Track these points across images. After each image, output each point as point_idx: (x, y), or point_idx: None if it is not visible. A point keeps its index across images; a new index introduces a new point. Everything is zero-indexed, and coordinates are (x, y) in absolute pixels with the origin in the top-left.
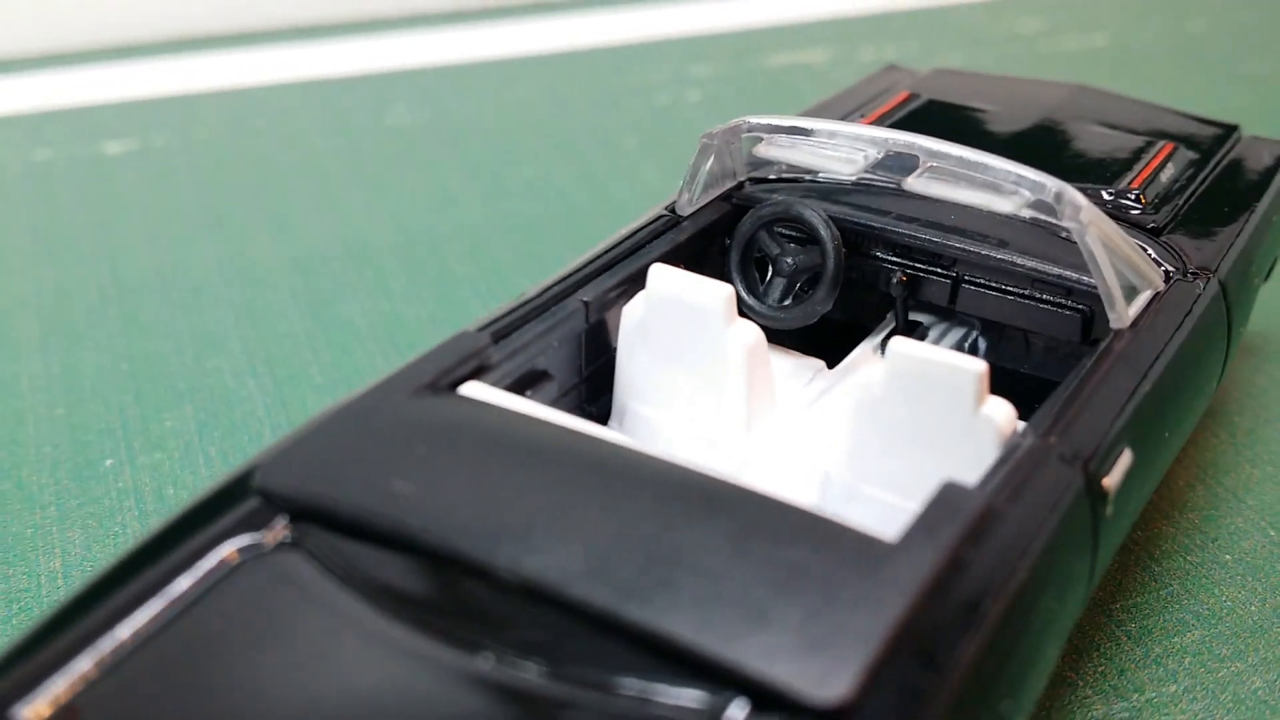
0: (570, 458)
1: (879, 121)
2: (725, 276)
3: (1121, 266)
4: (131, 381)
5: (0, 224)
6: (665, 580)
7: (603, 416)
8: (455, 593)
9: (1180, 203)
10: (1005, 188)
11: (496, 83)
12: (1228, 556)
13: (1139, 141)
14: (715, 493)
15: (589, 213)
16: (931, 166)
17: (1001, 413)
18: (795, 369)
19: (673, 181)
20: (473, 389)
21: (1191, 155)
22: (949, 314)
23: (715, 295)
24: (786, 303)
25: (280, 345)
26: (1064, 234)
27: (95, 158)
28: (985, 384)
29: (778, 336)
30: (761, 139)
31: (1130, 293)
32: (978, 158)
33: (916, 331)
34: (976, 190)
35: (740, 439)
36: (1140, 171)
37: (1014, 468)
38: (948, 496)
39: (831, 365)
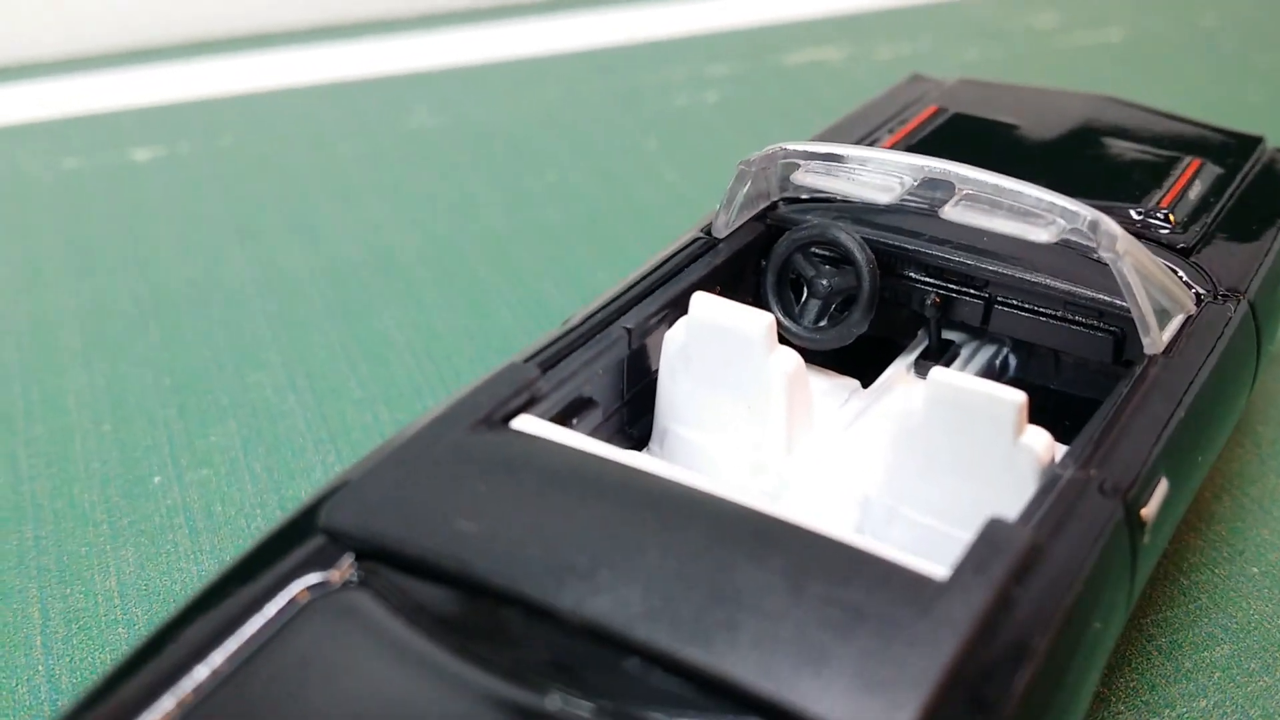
0: (625, 494)
1: (908, 137)
2: (761, 298)
3: (1155, 292)
4: (175, 396)
5: (35, 235)
6: (725, 621)
7: (643, 438)
8: (521, 632)
9: (1208, 221)
10: (1041, 216)
11: (516, 83)
12: (1255, 569)
13: (1166, 157)
14: (767, 529)
15: (611, 218)
16: (967, 194)
17: (1040, 442)
18: (831, 389)
19: (694, 184)
20: (525, 422)
21: (1218, 170)
22: (980, 332)
23: (757, 324)
24: (822, 324)
25: (317, 358)
26: (1095, 256)
27: (123, 165)
28: (1024, 415)
29: (811, 354)
30: (799, 165)
31: (1163, 317)
32: (1014, 186)
33: (950, 350)
34: (1012, 219)
35: (781, 462)
36: (1169, 190)
37: (1055, 501)
38: (994, 533)
39: (866, 383)
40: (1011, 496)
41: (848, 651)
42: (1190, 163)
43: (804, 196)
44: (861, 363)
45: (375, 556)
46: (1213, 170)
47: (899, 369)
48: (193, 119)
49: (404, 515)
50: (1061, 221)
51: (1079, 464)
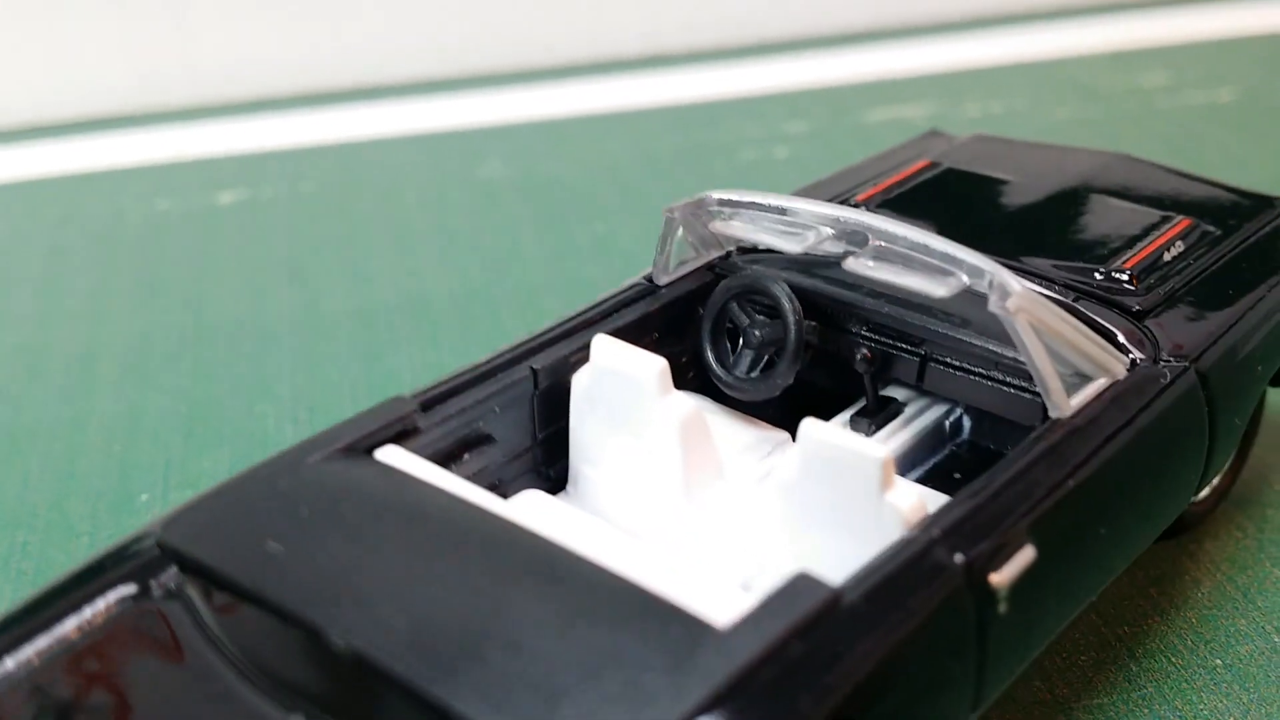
0: (440, 528)
1: (887, 190)
2: (701, 345)
3: (1066, 353)
4: (185, 423)
5: (110, 270)
6: (477, 656)
7: (562, 479)
8: (296, 654)
9: (1178, 284)
10: (946, 270)
11: (591, 138)
12: (1218, 661)
13: (1154, 217)
14: (566, 569)
15: None
16: (878, 245)
17: (907, 501)
18: (756, 441)
19: None
20: (389, 454)
21: (1211, 231)
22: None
23: (650, 369)
24: (753, 374)
25: (326, 394)
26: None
27: (207, 208)
28: (889, 471)
29: (759, 405)
30: (721, 214)
31: (1077, 381)
32: (920, 238)
33: (890, 408)
34: (912, 272)
35: (680, 509)
36: (1141, 250)
37: (889, 560)
38: (795, 586)
39: None
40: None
41: (588, 696)
42: (1178, 223)
43: (760, 247)
44: (819, 415)
45: (195, 571)
46: (1204, 231)
47: (835, 425)
48: (283, 166)
49: (224, 534)
50: (964, 277)
51: (927, 525)
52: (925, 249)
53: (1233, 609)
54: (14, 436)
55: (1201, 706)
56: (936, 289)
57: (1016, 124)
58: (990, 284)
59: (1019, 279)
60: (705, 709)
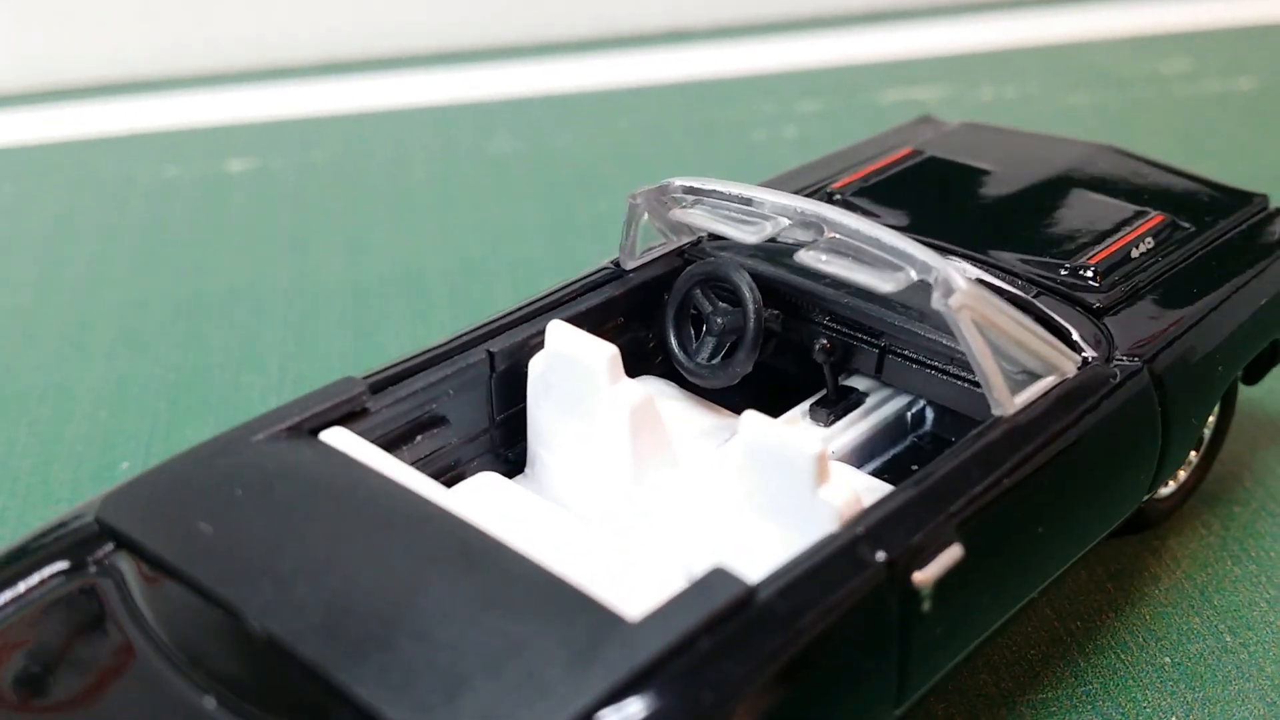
0: (370, 513)
1: (866, 178)
2: (665, 331)
3: (1013, 351)
4: (172, 392)
5: (116, 237)
6: (385, 644)
7: (521, 461)
8: (216, 636)
9: (1143, 281)
10: (896, 265)
11: (602, 112)
12: (1167, 659)
13: (1128, 212)
14: (487, 558)
15: None
16: (833, 238)
17: (840, 496)
18: (714, 427)
19: None
20: (334, 435)
21: (1185, 227)
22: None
23: (600, 355)
24: (714, 361)
25: (313, 366)
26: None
27: (216, 176)
28: (824, 466)
29: (724, 391)
30: (684, 200)
31: (1023, 379)
32: (873, 232)
33: (851, 398)
34: (862, 266)
35: (629, 494)
36: (1109, 245)
37: (807, 556)
38: (709, 581)
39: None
40: None
41: (488, 686)
42: (1150, 218)
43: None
44: (788, 404)
45: (128, 548)
46: (1177, 227)
47: (794, 414)
48: (292, 136)
49: (159, 512)
50: (913, 273)
51: (855, 521)
52: (877, 243)
53: (1188, 606)
54: (4, 401)
55: (1145, 704)
56: (884, 284)
57: (1029, 109)
58: (936, 279)
59: (970, 274)
60: (605, 702)
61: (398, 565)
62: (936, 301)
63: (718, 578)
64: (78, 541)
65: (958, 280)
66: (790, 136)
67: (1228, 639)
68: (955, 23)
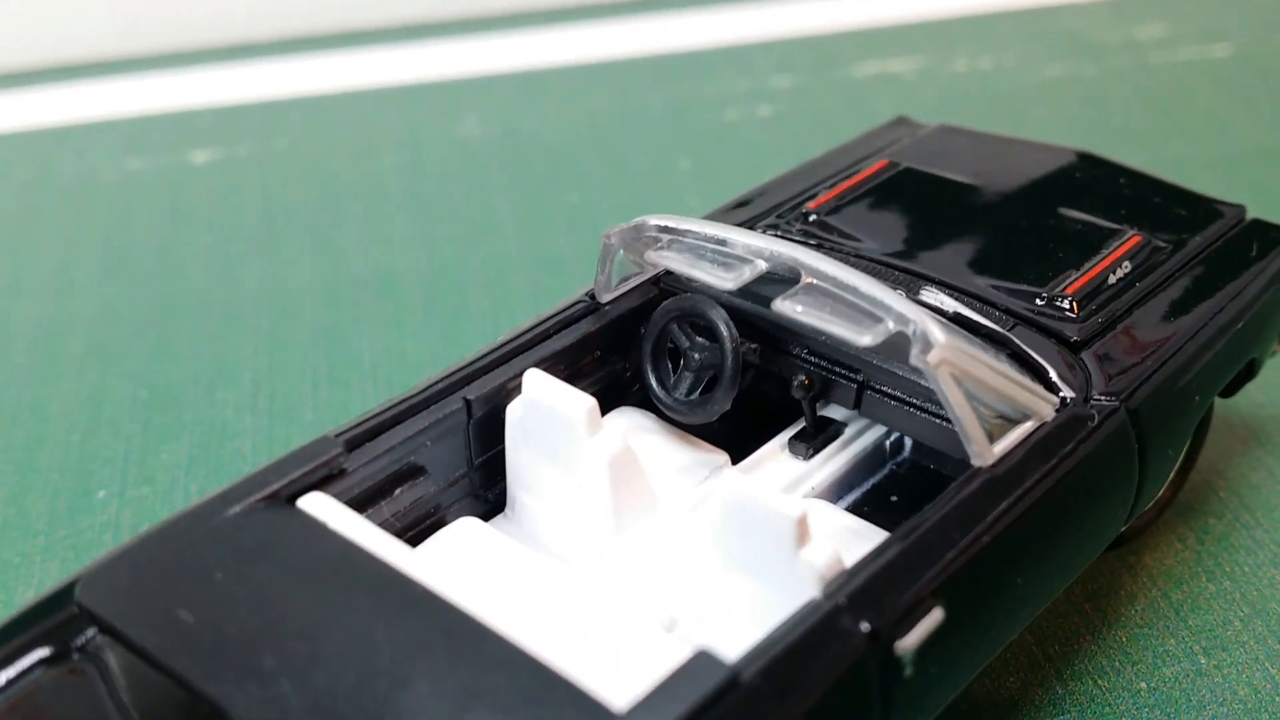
0: (352, 594)
1: (846, 194)
2: (642, 365)
3: (991, 400)
4: (144, 411)
5: (80, 237)
6: None
7: (501, 502)
8: None
9: (1119, 309)
10: (873, 316)
11: (573, 90)
12: (1143, 684)
13: (1105, 232)
14: (472, 642)
15: None
16: (809, 283)
17: (821, 558)
18: (694, 464)
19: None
20: (313, 501)
21: (1161, 246)
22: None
23: (578, 407)
24: (692, 397)
25: (287, 379)
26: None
27: (180, 167)
28: (805, 528)
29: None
30: (658, 240)
31: (1003, 426)
32: (850, 279)
33: (829, 430)
34: (837, 318)
35: (610, 542)
36: (1086, 272)
37: (791, 630)
38: (694, 666)
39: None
40: (797, 606)
41: None
42: (1128, 239)
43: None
44: (771, 431)
45: (110, 634)
46: (1153, 247)
47: (773, 447)
48: (256, 121)
49: (138, 597)
50: (890, 324)
51: (833, 590)
52: (854, 291)
53: (1164, 627)
54: None
55: None
56: (861, 337)
57: (1006, 82)
58: (914, 333)
59: (947, 308)
60: None
61: (382, 656)
62: (915, 358)
63: (702, 662)
64: (59, 625)
65: (936, 334)
66: (765, 115)
67: (1202, 661)
68: None
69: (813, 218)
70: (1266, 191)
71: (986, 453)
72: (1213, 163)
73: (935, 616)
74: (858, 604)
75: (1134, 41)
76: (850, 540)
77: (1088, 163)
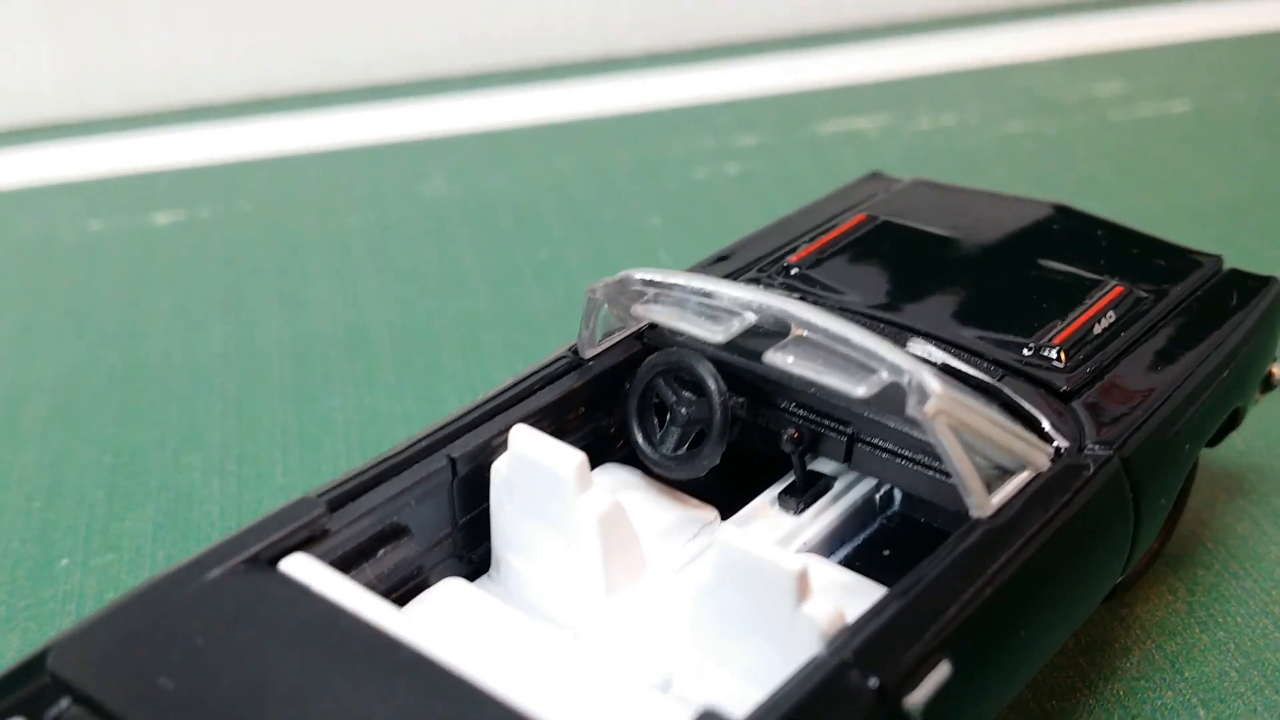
0: (337, 660)
1: (824, 248)
2: (628, 421)
3: (987, 450)
4: (109, 476)
5: (41, 299)
6: None
7: (484, 563)
8: None
9: (1106, 359)
10: (867, 368)
11: (540, 150)
12: None
13: (1087, 283)
14: (467, 705)
15: None
16: (800, 335)
17: (822, 613)
18: (682, 522)
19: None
20: (295, 563)
21: (1144, 297)
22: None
23: (568, 464)
24: (680, 452)
25: (256, 442)
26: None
27: (142, 229)
28: (805, 583)
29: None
30: (644, 294)
31: (1000, 477)
32: (841, 331)
33: (819, 484)
34: (835, 370)
35: (600, 603)
36: (1072, 322)
37: (794, 689)
38: None
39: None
40: (800, 661)
41: None
42: (1110, 290)
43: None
44: (761, 483)
45: (86, 704)
46: (1137, 299)
47: (762, 502)
48: (218, 182)
49: (115, 666)
50: (884, 374)
51: (837, 645)
52: (846, 342)
53: (1160, 680)
54: None
55: None
56: (856, 388)
57: (970, 139)
58: (910, 384)
59: (936, 358)
60: None
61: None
62: (911, 409)
63: None
64: (31, 696)
65: (932, 385)
66: (733, 173)
67: (1201, 713)
68: (889, 45)
69: (794, 271)
70: (1233, 241)
71: (985, 503)
72: (1180, 215)
73: (942, 671)
74: (864, 660)
75: (1093, 98)
76: (846, 596)
77: (1064, 215)
